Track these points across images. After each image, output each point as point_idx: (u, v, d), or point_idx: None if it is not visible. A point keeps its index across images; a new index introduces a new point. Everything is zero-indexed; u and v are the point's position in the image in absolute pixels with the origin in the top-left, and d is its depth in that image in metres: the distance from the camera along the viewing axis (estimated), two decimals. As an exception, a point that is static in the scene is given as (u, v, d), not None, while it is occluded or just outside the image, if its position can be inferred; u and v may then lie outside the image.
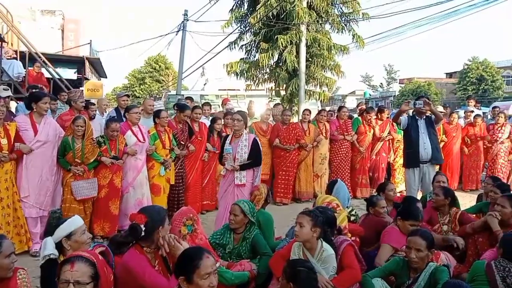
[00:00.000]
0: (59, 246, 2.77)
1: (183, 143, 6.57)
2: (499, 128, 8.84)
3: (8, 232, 4.62)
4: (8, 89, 6.08)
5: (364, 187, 8.32)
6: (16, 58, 11.55)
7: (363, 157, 8.26)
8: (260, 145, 5.49)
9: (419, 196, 5.88)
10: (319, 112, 8.48)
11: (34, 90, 6.18)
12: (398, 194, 6.09)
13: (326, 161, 8.12)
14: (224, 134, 7.11)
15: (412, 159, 6.10)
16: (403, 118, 6.16)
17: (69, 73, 15.05)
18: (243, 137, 5.31)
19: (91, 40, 18.82)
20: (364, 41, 12.15)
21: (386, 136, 8.40)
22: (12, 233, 4.73)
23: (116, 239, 3.15)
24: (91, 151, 5.32)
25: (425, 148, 6.00)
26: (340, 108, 8.72)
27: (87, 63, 15.79)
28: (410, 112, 6.33)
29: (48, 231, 2.97)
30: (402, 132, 8.36)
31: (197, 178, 6.89)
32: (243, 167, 5.22)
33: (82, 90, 10.36)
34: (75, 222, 2.89)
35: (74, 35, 23.17)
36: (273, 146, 7.68)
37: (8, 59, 11.23)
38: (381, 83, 63.98)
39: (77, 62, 15.80)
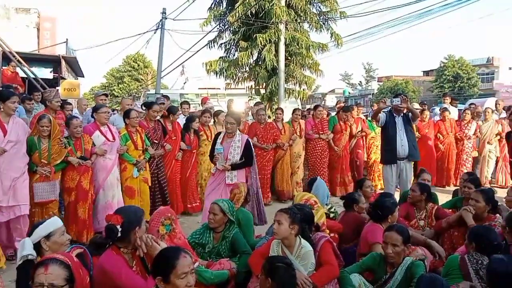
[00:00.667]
0: (37, 247, 2.74)
1: (156, 141, 6.42)
2: (466, 125, 9.07)
3: None
4: None
5: (343, 186, 8.32)
6: (-11, 57, 11.28)
7: (339, 156, 8.27)
8: (252, 145, 5.57)
9: (397, 193, 5.98)
10: (294, 111, 8.48)
11: (1, 89, 5.91)
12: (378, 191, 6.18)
13: (300, 160, 8.08)
14: (201, 132, 7.08)
15: (389, 156, 6.20)
16: (381, 115, 6.25)
17: (45, 73, 14.73)
18: (236, 137, 5.37)
19: (67, 39, 18.50)
20: (342, 39, 12.26)
21: (359, 133, 8.50)
22: None
23: (95, 240, 3.12)
24: (58, 151, 5.11)
25: (402, 145, 6.11)
26: (316, 107, 8.72)
27: (63, 62, 15.49)
28: (387, 109, 6.41)
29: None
30: (375, 128, 8.56)
31: (175, 177, 6.77)
32: (234, 167, 5.30)
33: (58, 89, 10.17)
34: (54, 223, 2.87)
35: (50, 34, 22.77)
36: None
37: (-19, 59, 10.97)
38: (360, 82, 64.76)
39: (53, 61, 15.48)
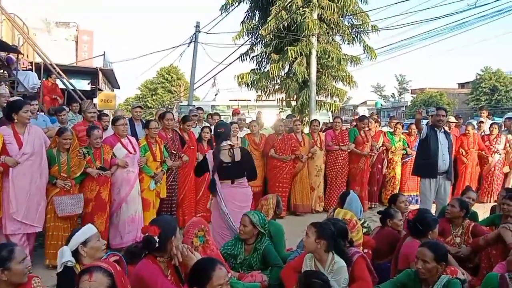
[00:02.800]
0: (75, 254, 2.85)
1: (174, 152, 6.33)
2: (495, 139, 8.73)
3: None
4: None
5: (363, 200, 7.95)
6: (31, 70, 11.76)
7: (361, 169, 8.02)
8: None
9: (433, 207, 5.85)
10: (311, 122, 8.35)
11: (13, 100, 5.86)
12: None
13: (322, 173, 7.93)
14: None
15: (429, 170, 6.05)
16: (424, 127, 6.15)
17: (83, 84, 15.29)
18: None
19: (104, 52, 19.13)
20: (375, 52, 12.16)
21: (379, 148, 8.27)
22: None
23: (130, 249, 3.20)
24: (77, 164, 5.03)
25: (443, 159, 5.99)
26: (335, 118, 8.57)
27: (100, 74, 16.01)
28: (425, 121, 6.31)
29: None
30: (396, 143, 8.34)
31: (192, 188, 6.69)
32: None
33: (92, 101, 10.48)
34: (90, 230, 2.99)
35: (87, 46, 23.64)
36: (268, 157, 7.48)
37: (23, 70, 11.45)
38: (393, 93, 63.86)
39: (90, 73, 16.05)
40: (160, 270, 2.79)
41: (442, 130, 6.17)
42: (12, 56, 10.90)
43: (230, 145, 4.73)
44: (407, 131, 8.99)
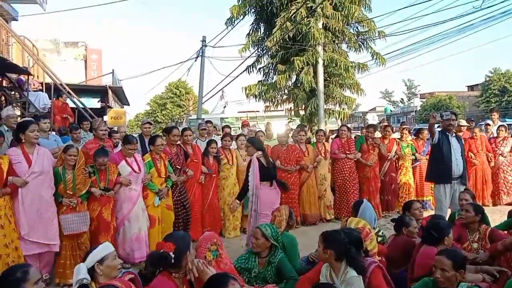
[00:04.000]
0: (91, 272, 2.86)
1: (179, 167, 6.26)
2: (501, 142, 8.62)
3: None
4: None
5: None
6: (42, 90, 11.92)
7: (367, 178, 7.87)
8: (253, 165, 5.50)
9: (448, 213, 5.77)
10: (317, 132, 8.26)
11: (21, 121, 5.93)
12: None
13: (326, 182, 7.82)
14: (222, 156, 6.95)
15: (443, 175, 5.96)
16: (436, 132, 6.09)
17: (93, 102, 15.45)
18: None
19: (113, 69, 19.33)
20: (384, 58, 12.16)
21: (394, 156, 8.15)
22: None
23: (143, 273, 3.18)
24: (83, 181, 5.02)
25: (457, 164, 5.91)
26: (341, 126, 8.43)
27: (110, 92, 16.17)
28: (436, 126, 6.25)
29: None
30: (405, 148, 8.28)
31: (196, 202, 6.58)
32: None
33: (103, 119, 10.56)
34: (107, 248, 3.01)
35: (96, 65, 23.95)
36: None
37: (34, 91, 11.62)
38: (402, 99, 63.54)
39: (100, 91, 16.22)
40: (175, 286, 2.78)
41: (454, 134, 6.10)
42: (23, 77, 11.07)
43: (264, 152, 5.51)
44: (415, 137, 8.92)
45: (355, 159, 7.85)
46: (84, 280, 2.80)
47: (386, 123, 9.60)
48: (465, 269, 3.13)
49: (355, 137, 8.25)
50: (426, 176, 6.60)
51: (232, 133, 9.31)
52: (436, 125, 6.22)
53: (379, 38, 12.10)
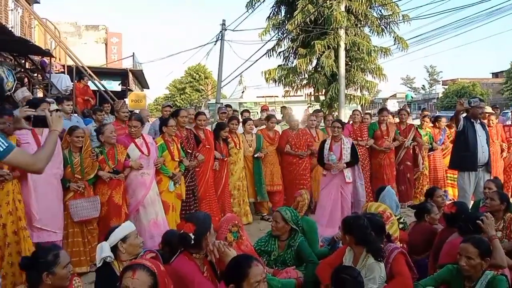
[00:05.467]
0: (113, 250, 2.91)
1: (190, 151, 5.99)
2: None
3: (12, 263, 3.97)
4: (53, 102, 6.01)
5: None
6: (63, 72, 12.06)
7: (381, 165, 7.55)
8: (356, 148, 6.43)
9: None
10: (325, 117, 8.05)
11: (30, 99, 5.74)
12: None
13: None
14: (229, 140, 6.80)
15: (469, 163, 5.82)
16: (461, 119, 5.94)
17: (114, 85, 15.60)
18: (344, 140, 6.18)
19: (133, 53, 19.42)
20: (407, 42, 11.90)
21: (410, 144, 7.81)
22: (5, 269, 3.97)
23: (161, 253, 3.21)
24: (90, 165, 4.78)
25: (483, 151, 5.78)
26: (354, 111, 8.17)
27: (130, 75, 16.28)
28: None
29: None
30: (423, 137, 8.08)
31: (208, 189, 6.33)
32: (348, 165, 6.11)
33: (124, 101, 10.64)
34: (129, 227, 3.07)
35: (117, 48, 24.08)
36: (283, 153, 7.22)
37: (56, 73, 11.75)
38: (423, 85, 62.31)
39: (121, 74, 16.34)
40: (196, 267, 2.79)
41: (479, 121, 5.95)
42: (46, 59, 11.19)
43: None
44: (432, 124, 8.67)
45: (367, 146, 7.62)
46: (108, 258, 2.86)
47: (407, 110, 9.32)
48: (490, 258, 3.07)
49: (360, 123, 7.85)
50: (450, 164, 6.46)
51: (252, 117, 9.23)
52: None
53: (403, 22, 11.82)
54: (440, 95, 51.01)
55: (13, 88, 8.10)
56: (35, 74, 11.17)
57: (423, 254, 4.14)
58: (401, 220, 4.52)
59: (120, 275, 2.28)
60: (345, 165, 6.04)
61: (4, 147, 2.29)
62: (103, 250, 2.88)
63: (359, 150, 7.54)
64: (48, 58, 11.12)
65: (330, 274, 2.89)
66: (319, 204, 6.28)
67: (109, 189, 4.92)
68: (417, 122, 9.25)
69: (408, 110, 9.55)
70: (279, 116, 10.97)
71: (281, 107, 9.50)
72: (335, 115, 11.38)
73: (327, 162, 6.15)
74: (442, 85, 54.70)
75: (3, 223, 3.97)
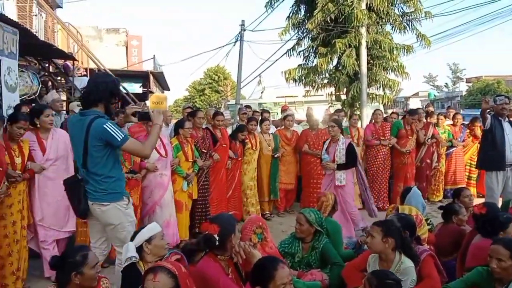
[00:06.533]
0: (138, 251, 2.92)
1: (205, 151, 6.11)
2: None
3: (11, 264, 4.08)
4: (80, 105, 6.20)
5: None
6: (86, 75, 12.26)
7: (404, 163, 7.52)
8: (355, 149, 6.04)
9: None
10: (350, 116, 8.00)
11: (34, 105, 5.75)
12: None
13: None
14: (246, 140, 6.83)
15: (497, 162, 5.70)
16: (488, 117, 5.82)
17: (135, 87, 15.77)
18: (340, 141, 5.87)
19: (154, 55, 19.61)
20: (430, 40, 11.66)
21: (429, 140, 7.74)
22: (14, 265, 4.11)
23: (188, 247, 3.21)
24: None
25: (511, 150, 5.64)
26: (375, 110, 8.13)
27: (151, 77, 16.43)
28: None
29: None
30: (442, 135, 7.90)
31: (221, 188, 6.49)
32: (339, 167, 5.77)
33: (145, 103, 10.73)
34: (154, 228, 3.07)
35: (137, 51, 24.35)
36: (302, 153, 7.26)
37: (79, 76, 11.95)
38: (446, 83, 61.13)
39: (142, 77, 16.51)
40: (221, 268, 2.78)
41: (507, 119, 5.81)
42: (69, 63, 11.39)
43: None
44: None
45: (390, 145, 7.54)
46: (133, 258, 2.88)
47: (431, 108, 9.16)
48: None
49: (382, 122, 7.83)
50: (477, 163, 6.33)
51: (271, 118, 9.19)
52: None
53: (426, 18, 11.58)
54: (464, 93, 49.99)
55: (38, 92, 8.25)
56: (59, 78, 11.39)
57: (451, 256, 4.03)
58: (428, 222, 4.42)
59: (143, 278, 2.30)
60: (335, 166, 5.74)
61: (123, 137, 3.04)
62: (129, 250, 2.90)
63: (380, 150, 7.53)
64: (71, 61, 11.31)
65: (357, 277, 2.84)
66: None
67: (128, 189, 4.83)
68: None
69: (433, 108, 9.38)
70: (299, 116, 10.91)
71: (308, 108, 9.40)
72: (357, 115, 11.27)
73: (323, 163, 5.98)
74: (466, 82, 53.59)
75: (14, 220, 4.12)
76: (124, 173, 3.71)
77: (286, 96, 17.95)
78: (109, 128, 3.04)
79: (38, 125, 4.50)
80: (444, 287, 3.10)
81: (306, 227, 3.82)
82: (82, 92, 3.44)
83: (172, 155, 5.54)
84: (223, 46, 15.93)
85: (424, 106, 11.72)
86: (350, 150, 5.83)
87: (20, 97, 6.71)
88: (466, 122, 8.63)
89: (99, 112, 3.18)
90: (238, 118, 7.97)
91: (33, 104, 6.80)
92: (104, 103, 3.23)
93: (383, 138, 7.53)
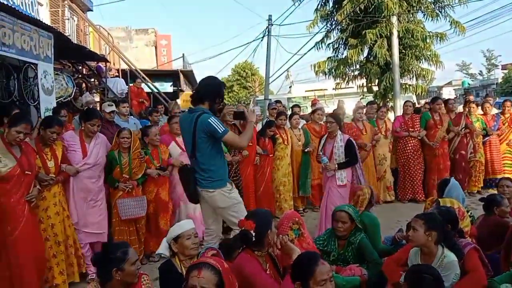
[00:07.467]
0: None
1: None
2: None
3: (58, 264, 4.17)
4: (113, 105, 6.12)
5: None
6: (118, 76, 12.49)
7: (435, 155, 7.29)
8: (355, 144, 5.49)
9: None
10: (379, 108, 7.71)
11: (86, 109, 5.85)
12: None
13: (386, 162, 7.34)
14: (277, 136, 6.76)
15: None
16: None
17: (166, 87, 15.96)
18: (338, 138, 5.36)
19: (183, 54, 19.80)
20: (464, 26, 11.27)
21: (462, 130, 7.44)
22: (61, 265, 4.20)
23: (226, 243, 3.22)
24: (138, 165, 4.91)
25: None
26: (406, 102, 7.87)
27: (181, 76, 16.58)
28: None
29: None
30: (484, 123, 7.63)
31: (249, 183, 6.38)
32: (340, 166, 5.28)
33: (176, 102, 10.85)
34: (183, 226, 3.07)
35: (166, 50, 24.68)
36: None
37: (111, 77, 12.20)
38: (480, 71, 59.06)
39: (172, 76, 16.69)
40: (259, 264, 2.77)
41: None
42: (101, 65, 11.63)
43: None
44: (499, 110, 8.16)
45: (419, 137, 7.32)
46: (162, 254, 2.95)
47: (471, 97, 8.78)
48: None
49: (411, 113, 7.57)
50: None
51: (301, 113, 9.09)
52: None
53: (460, 4, 11.20)
54: (500, 80, 48.17)
55: (73, 94, 8.45)
56: (92, 79, 11.64)
57: (493, 249, 3.88)
58: (469, 214, 4.28)
59: (186, 275, 2.30)
60: (336, 166, 5.26)
61: (223, 130, 3.48)
62: (161, 247, 2.98)
63: (409, 142, 7.34)
64: (104, 63, 11.55)
65: (398, 272, 2.77)
66: (320, 210, 5.68)
67: (156, 187, 5.15)
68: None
69: (473, 97, 9.01)
70: (329, 110, 10.76)
71: (339, 101, 9.23)
72: (389, 106, 11.04)
73: (322, 164, 5.47)
74: (502, 69, 51.59)
75: (52, 223, 4.17)
76: (226, 162, 4.05)
77: (315, 90, 17.76)
78: (213, 122, 3.46)
79: (83, 128, 4.60)
80: (490, 281, 3.00)
81: (349, 224, 3.77)
82: (193, 91, 3.86)
83: None
84: (251, 42, 15.93)
85: (459, 95, 11.31)
86: (349, 146, 5.35)
87: (56, 99, 6.89)
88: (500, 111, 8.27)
89: (204, 109, 3.61)
90: (267, 114, 7.91)
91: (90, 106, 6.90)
92: (209, 102, 3.65)
93: (412, 129, 7.34)
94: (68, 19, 12.41)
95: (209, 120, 3.48)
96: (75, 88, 8.64)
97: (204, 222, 3.96)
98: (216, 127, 3.47)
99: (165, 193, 5.22)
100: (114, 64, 14.75)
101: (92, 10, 15.57)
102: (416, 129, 7.34)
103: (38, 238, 3.94)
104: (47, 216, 4.14)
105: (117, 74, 13.02)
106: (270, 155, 6.66)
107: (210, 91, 3.68)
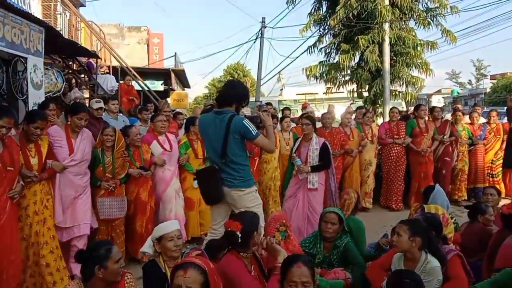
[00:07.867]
0: None
1: None
2: None
3: (30, 267, 3.91)
4: (101, 101, 5.97)
5: (418, 196, 6.96)
6: (108, 73, 12.39)
7: (420, 163, 7.26)
8: (330, 148, 5.56)
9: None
10: (365, 113, 7.71)
11: (73, 103, 5.73)
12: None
13: (371, 168, 7.36)
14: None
15: None
16: None
17: (157, 85, 15.88)
18: (313, 141, 5.41)
19: (175, 53, 19.75)
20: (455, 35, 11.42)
21: (447, 139, 7.44)
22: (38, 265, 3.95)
23: (211, 244, 3.22)
24: (121, 165, 4.80)
25: None
26: (392, 108, 7.89)
27: (172, 75, 16.52)
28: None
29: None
30: (461, 131, 7.64)
31: None
32: (313, 169, 5.31)
33: (167, 101, 10.81)
34: (166, 227, 3.03)
35: (158, 49, 24.61)
36: None
37: (102, 74, 12.10)
38: (470, 80, 59.86)
39: (163, 74, 16.61)
40: (244, 265, 2.78)
41: None
42: (92, 61, 11.54)
43: None
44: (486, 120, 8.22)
45: (404, 145, 7.33)
46: (146, 253, 2.96)
47: (459, 106, 8.87)
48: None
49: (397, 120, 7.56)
50: (504, 162, 6.17)
51: (291, 116, 9.14)
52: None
53: (452, 13, 11.33)
54: (488, 90, 48.84)
55: (62, 89, 8.36)
56: (82, 75, 11.53)
57: (477, 256, 3.94)
58: (452, 221, 4.33)
59: (172, 274, 2.29)
60: (309, 168, 5.25)
61: (256, 132, 3.63)
62: (145, 245, 2.98)
63: (393, 149, 7.33)
64: (94, 59, 11.46)
65: (381, 277, 2.79)
66: (283, 210, 5.72)
67: (136, 187, 5.02)
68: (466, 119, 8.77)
69: (461, 106, 9.11)
70: (319, 114, 10.82)
71: (329, 106, 9.27)
72: (379, 112, 11.15)
73: (296, 167, 5.43)
74: (490, 79, 52.33)
75: (30, 222, 3.93)
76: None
77: (306, 94, 17.84)
78: (247, 123, 3.61)
79: (69, 122, 4.44)
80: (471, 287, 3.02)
81: (338, 226, 3.78)
82: (218, 93, 3.94)
83: (177, 151, 5.57)
84: (243, 44, 15.98)
85: (447, 103, 11.46)
86: (324, 150, 5.35)
87: (45, 94, 6.81)
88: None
89: (233, 111, 3.72)
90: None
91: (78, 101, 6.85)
92: (236, 105, 3.76)
93: (397, 137, 7.34)
94: (60, 13, 12.30)
95: (243, 122, 3.62)
96: (64, 83, 8.54)
97: (212, 222, 3.97)
98: (251, 129, 3.61)
99: (145, 193, 5.06)
100: (105, 60, 14.63)
101: (84, 6, 15.48)
102: (401, 136, 7.33)
103: (16, 239, 3.69)
104: (26, 214, 3.91)
105: (107, 71, 12.92)
106: (256, 158, 6.52)
107: (238, 95, 3.79)
